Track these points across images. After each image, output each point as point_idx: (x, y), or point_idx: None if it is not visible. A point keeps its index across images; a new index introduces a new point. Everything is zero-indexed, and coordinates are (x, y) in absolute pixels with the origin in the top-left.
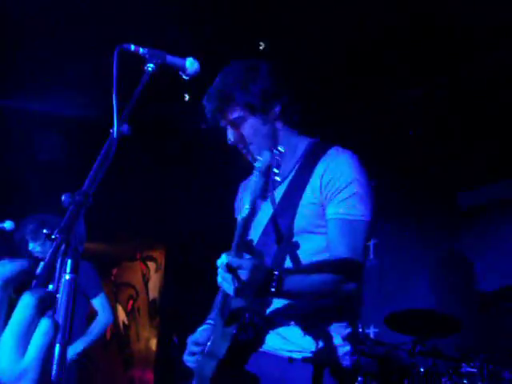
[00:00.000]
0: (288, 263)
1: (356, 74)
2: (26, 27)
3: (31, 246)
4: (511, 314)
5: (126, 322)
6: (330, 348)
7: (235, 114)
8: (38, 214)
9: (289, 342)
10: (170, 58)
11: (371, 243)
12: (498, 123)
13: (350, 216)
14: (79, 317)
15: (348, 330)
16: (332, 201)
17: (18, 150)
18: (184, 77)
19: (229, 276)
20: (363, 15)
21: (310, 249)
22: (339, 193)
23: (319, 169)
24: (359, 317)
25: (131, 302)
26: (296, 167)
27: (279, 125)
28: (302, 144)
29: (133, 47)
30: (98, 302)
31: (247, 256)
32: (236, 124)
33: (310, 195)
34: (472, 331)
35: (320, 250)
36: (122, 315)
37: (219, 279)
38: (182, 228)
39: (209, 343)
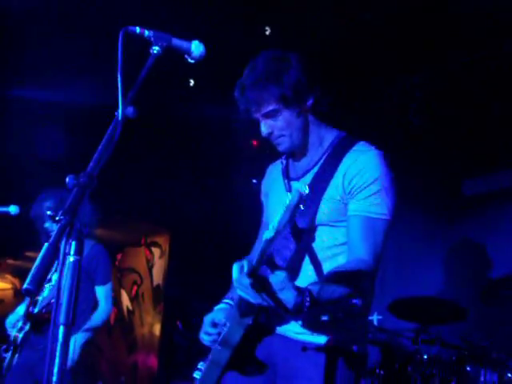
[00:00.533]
0: (307, 255)
1: (362, 60)
2: (27, 16)
3: (48, 224)
4: None
5: (130, 308)
6: (344, 334)
7: (270, 107)
8: (58, 190)
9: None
10: (175, 41)
11: None
12: (503, 112)
13: (374, 214)
14: (86, 300)
15: (361, 318)
16: (355, 197)
17: (19, 139)
18: (189, 60)
19: (252, 292)
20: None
21: (328, 242)
22: (364, 189)
23: (344, 164)
24: (370, 306)
25: (135, 287)
26: (322, 160)
27: (311, 117)
28: (329, 136)
29: (138, 29)
30: (103, 292)
31: (269, 274)
32: (270, 116)
33: (333, 191)
34: (475, 319)
35: (338, 243)
36: (126, 301)
37: (239, 292)
38: (186, 214)
39: (224, 330)
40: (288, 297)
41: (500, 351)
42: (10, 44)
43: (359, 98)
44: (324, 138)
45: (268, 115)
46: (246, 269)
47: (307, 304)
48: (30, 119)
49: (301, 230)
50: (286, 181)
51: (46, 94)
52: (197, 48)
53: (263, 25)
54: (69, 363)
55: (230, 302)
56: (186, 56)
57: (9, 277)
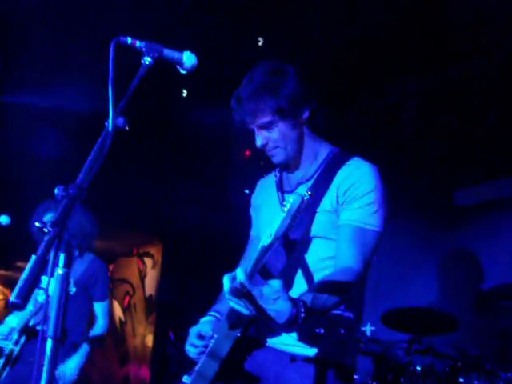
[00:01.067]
0: (299, 267)
1: (353, 69)
2: (27, 22)
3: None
4: (507, 312)
5: (123, 318)
6: (334, 346)
7: (265, 119)
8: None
9: (291, 336)
10: (167, 52)
11: None
12: (496, 122)
13: (365, 225)
14: (80, 314)
15: (352, 330)
16: (348, 206)
17: (16, 145)
18: (181, 71)
19: (244, 302)
20: (360, 12)
21: (322, 254)
22: (357, 200)
23: (338, 177)
24: (361, 316)
25: (128, 298)
26: (316, 174)
27: (306, 130)
28: (323, 150)
29: (129, 40)
30: (101, 308)
31: (263, 283)
32: (265, 128)
33: (327, 203)
34: (468, 330)
35: (331, 255)
36: (118, 311)
37: (231, 303)
38: (179, 224)
39: (212, 342)
40: (283, 308)
41: (493, 362)
42: (6, 48)
43: (351, 108)
44: (318, 151)
45: (263, 127)
46: (239, 277)
47: (302, 316)
48: (27, 124)
49: (293, 242)
50: (279, 193)
51: (42, 99)
52: (188, 59)
53: (256, 35)
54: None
55: (216, 315)
56: (177, 67)
57: (0, 287)
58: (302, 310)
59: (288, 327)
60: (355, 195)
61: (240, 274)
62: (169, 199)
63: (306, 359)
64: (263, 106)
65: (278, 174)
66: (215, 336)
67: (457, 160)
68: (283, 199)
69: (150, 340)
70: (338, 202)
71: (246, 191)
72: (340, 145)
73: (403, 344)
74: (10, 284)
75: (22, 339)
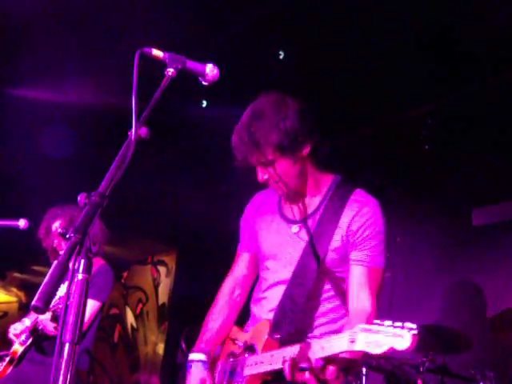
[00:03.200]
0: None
1: (370, 87)
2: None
3: (56, 242)
4: None
5: (135, 326)
6: None
7: (266, 157)
8: (67, 208)
9: None
10: (190, 64)
11: None
12: None
13: (376, 264)
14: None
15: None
16: (359, 247)
17: (30, 147)
18: (203, 83)
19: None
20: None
21: (331, 287)
22: (368, 239)
23: (346, 215)
24: None
25: (140, 305)
26: (322, 206)
27: (307, 163)
28: (325, 180)
29: (154, 51)
30: (89, 306)
31: None
32: (266, 165)
33: (338, 241)
34: (483, 350)
35: (340, 290)
36: (130, 318)
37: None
38: (194, 233)
39: None
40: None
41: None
42: (11, 42)
43: (369, 125)
44: (320, 181)
45: (264, 163)
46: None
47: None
48: (33, 119)
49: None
50: (283, 221)
51: (48, 94)
52: (211, 71)
53: (277, 49)
54: None
55: (203, 358)
56: (200, 78)
57: (14, 290)
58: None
59: None
60: (366, 235)
61: None
62: (185, 209)
63: None
64: (264, 144)
65: (278, 199)
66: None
67: (475, 179)
68: (290, 229)
69: (161, 348)
70: (348, 240)
71: None
72: (357, 161)
73: (415, 361)
74: (25, 287)
75: (29, 341)
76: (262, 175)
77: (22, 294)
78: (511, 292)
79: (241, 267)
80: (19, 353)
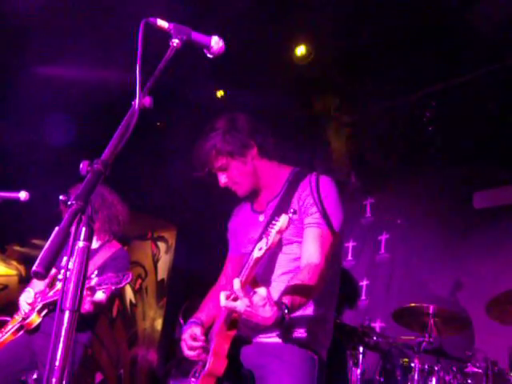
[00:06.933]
0: (275, 268)
1: (376, 68)
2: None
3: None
4: None
5: (134, 301)
6: (310, 337)
7: (220, 162)
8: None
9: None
10: (195, 35)
11: (382, 238)
12: None
13: (324, 226)
14: None
15: (322, 322)
16: (308, 211)
17: (26, 126)
18: (208, 55)
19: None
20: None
21: (293, 255)
22: (314, 205)
23: (298, 191)
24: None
25: (139, 281)
26: (281, 193)
27: (258, 161)
28: (283, 173)
29: (159, 22)
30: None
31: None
32: (222, 169)
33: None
34: (480, 332)
35: (299, 255)
36: (129, 294)
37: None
38: (194, 209)
39: (213, 343)
40: (270, 312)
41: (503, 365)
42: (16, 27)
43: (374, 106)
44: (279, 174)
45: (220, 168)
46: (235, 286)
47: (287, 317)
48: (38, 105)
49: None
50: (252, 214)
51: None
52: (216, 43)
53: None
54: None
55: (198, 321)
56: (205, 51)
57: (14, 263)
58: (286, 311)
59: (274, 327)
60: (313, 201)
61: (236, 283)
62: (185, 184)
63: (284, 347)
64: (215, 154)
65: (250, 201)
66: (214, 339)
67: (477, 162)
68: (256, 218)
69: (159, 324)
70: (300, 211)
71: None
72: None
73: (412, 341)
74: (25, 260)
75: (44, 312)
76: (223, 179)
77: (22, 268)
78: (509, 274)
79: (230, 267)
80: (35, 324)
